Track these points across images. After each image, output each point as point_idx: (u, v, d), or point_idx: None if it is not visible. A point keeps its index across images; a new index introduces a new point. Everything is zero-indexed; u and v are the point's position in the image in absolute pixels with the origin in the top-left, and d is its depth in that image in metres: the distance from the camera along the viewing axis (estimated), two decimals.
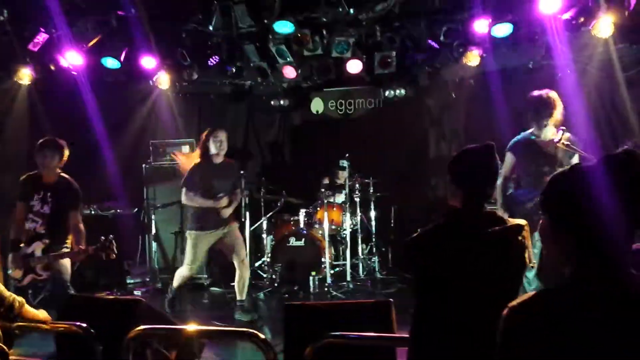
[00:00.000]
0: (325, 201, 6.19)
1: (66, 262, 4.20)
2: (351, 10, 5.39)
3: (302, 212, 6.45)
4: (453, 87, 6.91)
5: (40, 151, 4.25)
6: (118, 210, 6.52)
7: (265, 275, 6.41)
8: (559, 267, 1.31)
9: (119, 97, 7.07)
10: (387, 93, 7.19)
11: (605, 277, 1.22)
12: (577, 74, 5.62)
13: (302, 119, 8.13)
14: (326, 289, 5.86)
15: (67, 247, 4.25)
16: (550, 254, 1.36)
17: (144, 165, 6.81)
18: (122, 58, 5.94)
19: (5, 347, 2.54)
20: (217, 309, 5.64)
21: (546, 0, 4.85)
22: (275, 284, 6.13)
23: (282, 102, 7.71)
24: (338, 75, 6.57)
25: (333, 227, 6.41)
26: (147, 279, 6.64)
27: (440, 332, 1.96)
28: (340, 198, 6.63)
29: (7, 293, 2.63)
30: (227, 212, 4.97)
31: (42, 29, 5.60)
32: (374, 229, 6.81)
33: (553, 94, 4.10)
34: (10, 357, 2.63)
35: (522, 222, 2.03)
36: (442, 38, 5.65)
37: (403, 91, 7.08)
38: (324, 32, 5.88)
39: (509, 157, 4.23)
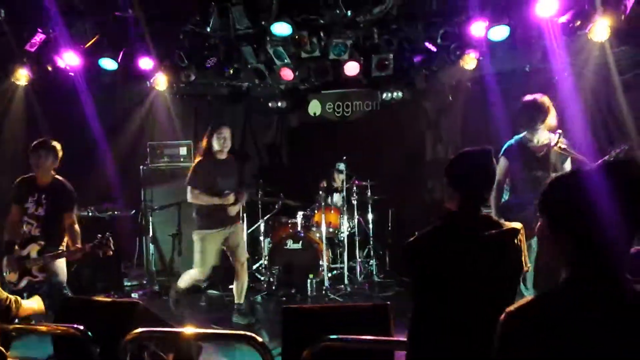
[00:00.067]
0: (323, 204, 6.19)
1: (62, 264, 4.20)
2: (349, 13, 5.39)
3: (300, 214, 6.42)
4: (450, 90, 6.93)
5: (35, 152, 4.25)
6: (115, 212, 6.47)
7: (262, 278, 6.39)
8: (554, 272, 1.32)
9: (117, 98, 7.09)
10: (384, 95, 7.22)
11: (603, 277, 1.23)
12: (574, 77, 5.65)
13: (300, 121, 8.12)
14: (324, 292, 5.86)
15: (62, 249, 4.23)
16: (548, 255, 1.37)
17: (141, 167, 6.77)
18: (119, 59, 5.93)
19: (2, 349, 2.53)
20: (214, 311, 5.62)
21: (543, 4, 4.86)
22: (273, 287, 6.10)
23: (279, 104, 7.71)
24: (335, 77, 6.56)
25: (330, 229, 6.39)
26: (145, 282, 6.60)
27: (438, 333, 1.97)
28: (337, 201, 6.64)
29: (3, 295, 2.63)
30: (235, 210, 4.89)
31: (39, 30, 5.59)
32: (371, 231, 6.79)
33: (545, 99, 4.06)
34: None
35: (518, 225, 2.05)
36: (439, 41, 5.65)
37: (400, 94, 7.11)
38: (322, 34, 5.87)
39: (503, 162, 4.17)
